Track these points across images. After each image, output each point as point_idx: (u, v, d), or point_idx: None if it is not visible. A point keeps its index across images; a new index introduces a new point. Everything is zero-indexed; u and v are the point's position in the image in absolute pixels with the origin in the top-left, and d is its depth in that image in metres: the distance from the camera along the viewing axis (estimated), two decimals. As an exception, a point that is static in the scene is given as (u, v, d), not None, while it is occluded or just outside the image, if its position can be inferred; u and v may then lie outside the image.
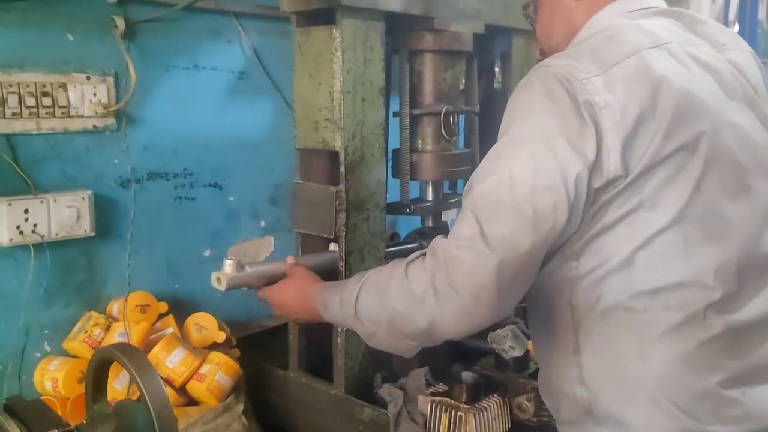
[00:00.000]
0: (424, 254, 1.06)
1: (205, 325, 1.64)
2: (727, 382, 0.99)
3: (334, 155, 1.40)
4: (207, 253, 1.82)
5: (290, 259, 1.37)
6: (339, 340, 1.41)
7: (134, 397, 1.41)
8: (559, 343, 1.08)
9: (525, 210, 0.97)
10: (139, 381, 0.78)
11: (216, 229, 1.83)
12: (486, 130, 1.90)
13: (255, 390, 1.60)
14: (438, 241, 1.05)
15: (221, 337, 1.63)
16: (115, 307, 1.58)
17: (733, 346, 1.00)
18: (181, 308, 1.72)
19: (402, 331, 1.08)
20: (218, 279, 1.30)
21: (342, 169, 1.38)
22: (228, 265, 1.30)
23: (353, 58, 1.36)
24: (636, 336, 1.01)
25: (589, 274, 1.03)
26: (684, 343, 0.99)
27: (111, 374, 1.38)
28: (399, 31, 1.55)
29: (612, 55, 1.02)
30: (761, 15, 4.02)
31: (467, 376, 1.36)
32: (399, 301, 1.06)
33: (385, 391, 1.41)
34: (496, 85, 2.00)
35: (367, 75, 1.40)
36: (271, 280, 1.35)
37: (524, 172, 0.97)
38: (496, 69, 2.00)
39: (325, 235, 1.41)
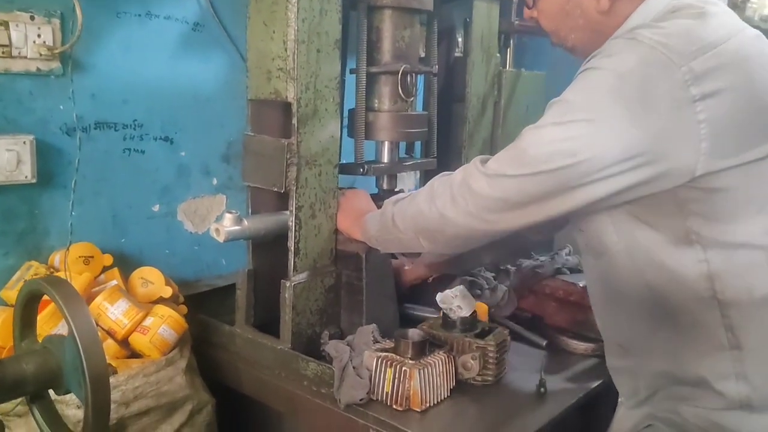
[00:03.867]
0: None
1: (151, 280, 1.61)
2: None
3: (286, 107, 1.37)
4: (156, 208, 1.77)
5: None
6: (287, 295, 1.40)
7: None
8: (702, 338, 1.06)
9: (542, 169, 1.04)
10: (66, 313, 0.75)
11: (166, 184, 1.78)
12: (445, 96, 1.89)
13: (201, 346, 1.57)
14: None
15: (167, 292, 1.60)
16: (57, 258, 1.54)
17: None
18: (127, 263, 1.68)
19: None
20: (217, 230, 1.35)
21: (294, 121, 1.35)
22: (227, 218, 1.35)
23: (309, 6, 1.33)
24: None
25: (728, 268, 1.02)
26: None
27: (49, 323, 1.36)
28: (359, -15, 1.52)
29: (708, 35, 0.98)
30: None
31: (414, 333, 1.36)
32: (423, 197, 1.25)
33: (332, 347, 1.40)
34: (456, 54, 1.99)
35: (323, 25, 1.37)
36: (269, 233, 1.42)
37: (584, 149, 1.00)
38: (459, 38, 1.98)
39: (275, 189, 1.39)
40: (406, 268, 1.46)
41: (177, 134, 1.78)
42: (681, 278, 1.05)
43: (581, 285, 1.64)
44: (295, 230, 1.39)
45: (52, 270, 1.51)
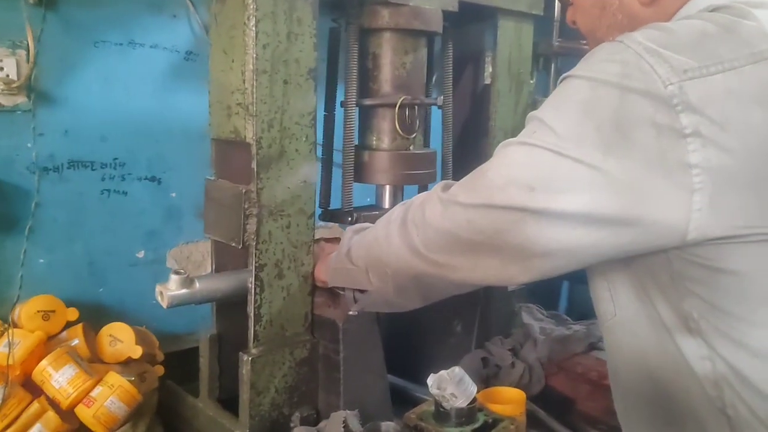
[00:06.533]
0: None
1: (120, 338, 1.43)
2: None
3: (247, 148, 1.16)
4: (140, 254, 1.61)
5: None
6: (244, 371, 1.17)
7: (6, 420, 1.22)
8: None
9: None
10: None
11: (152, 228, 1.62)
12: (471, 130, 1.64)
13: (169, 416, 1.39)
14: None
15: (137, 351, 1.41)
16: (17, 311, 1.39)
17: None
18: (106, 315, 1.52)
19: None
20: (161, 294, 1.16)
21: (254, 165, 1.14)
22: (173, 280, 1.14)
23: (272, 30, 1.12)
24: None
25: (740, 376, 0.75)
26: None
27: None
28: (349, 4, 1.31)
29: (728, 51, 0.71)
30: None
31: (388, 427, 1.10)
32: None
33: (295, 436, 1.16)
34: (486, 80, 1.72)
35: (291, 53, 1.15)
36: (228, 295, 1.20)
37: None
38: (488, 58, 1.72)
39: (233, 244, 1.18)
40: (351, 313, 1.20)
41: (165, 173, 1.62)
42: (687, 374, 0.78)
43: (622, 365, 1.33)
44: (256, 293, 1.17)
45: (7, 325, 1.36)
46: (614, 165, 0.71)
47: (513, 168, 0.79)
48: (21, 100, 1.39)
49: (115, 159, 1.54)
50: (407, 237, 0.95)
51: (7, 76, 1.35)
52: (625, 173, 0.70)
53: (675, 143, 0.68)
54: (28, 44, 1.37)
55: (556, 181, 0.75)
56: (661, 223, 0.71)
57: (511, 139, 0.83)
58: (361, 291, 1.14)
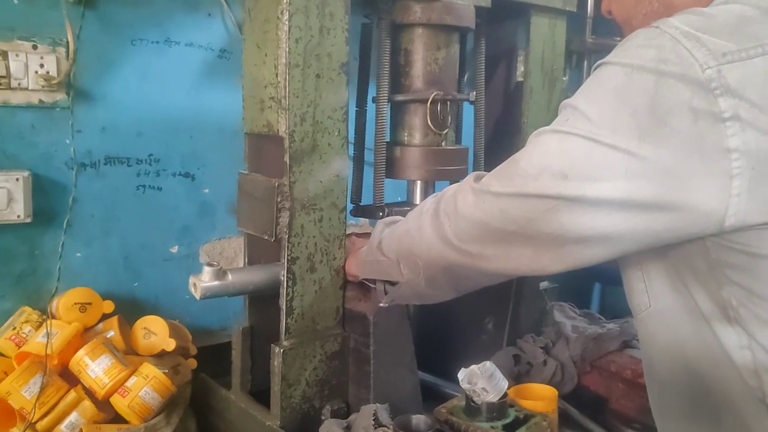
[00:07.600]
0: None
1: (154, 331, 1.45)
2: None
3: (281, 142, 1.17)
4: (174, 249, 1.63)
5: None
6: (275, 363, 1.18)
7: (44, 408, 1.24)
8: None
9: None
10: None
11: (186, 223, 1.64)
12: (504, 128, 1.63)
13: (202, 409, 1.40)
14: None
15: (170, 344, 1.44)
16: (55, 303, 1.43)
17: None
18: (139, 310, 1.55)
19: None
20: (194, 285, 1.17)
21: (286, 158, 1.15)
22: (206, 272, 1.16)
23: (304, 24, 1.13)
24: None
25: None
26: None
27: (19, 380, 1.24)
28: (381, 0, 1.31)
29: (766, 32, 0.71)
30: None
31: (419, 421, 1.09)
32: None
33: (325, 428, 1.17)
34: (518, 77, 1.71)
35: (323, 47, 1.16)
36: (261, 288, 1.21)
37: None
38: (520, 60, 1.71)
39: (266, 237, 1.19)
40: (381, 305, 1.20)
41: (199, 169, 1.64)
42: (725, 364, 0.76)
43: (657, 364, 1.30)
44: (288, 286, 1.18)
45: (44, 317, 1.39)
46: (650, 151, 0.70)
47: (546, 156, 0.79)
48: (60, 97, 1.42)
49: (151, 155, 1.56)
50: (439, 227, 0.95)
51: (47, 73, 1.39)
52: (661, 159, 0.70)
53: (713, 128, 0.67)
54: (67, 42, 1.40)
55: (590, 168, 0.74)
56: (698, 208, 0.69)
57: (544, 128, 0.82)
58: (392, 283, 1.14)
